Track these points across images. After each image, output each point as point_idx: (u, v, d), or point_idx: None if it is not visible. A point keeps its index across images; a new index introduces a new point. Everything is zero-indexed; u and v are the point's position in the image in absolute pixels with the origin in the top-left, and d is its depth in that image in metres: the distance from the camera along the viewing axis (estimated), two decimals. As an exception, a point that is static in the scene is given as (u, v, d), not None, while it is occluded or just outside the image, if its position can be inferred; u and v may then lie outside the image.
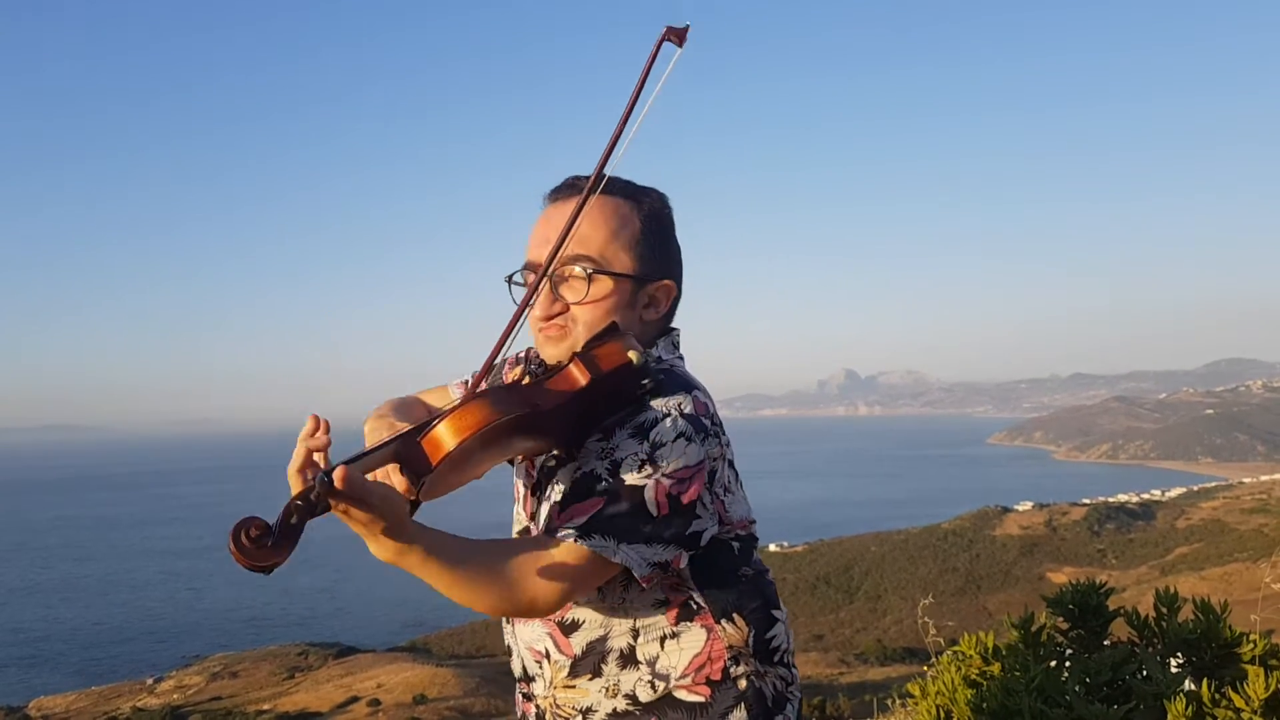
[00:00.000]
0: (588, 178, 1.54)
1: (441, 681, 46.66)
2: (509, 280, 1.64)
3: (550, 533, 1.43)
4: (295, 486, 1.24)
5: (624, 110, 1.42)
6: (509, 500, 1.80)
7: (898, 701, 4.35)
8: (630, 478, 1.43)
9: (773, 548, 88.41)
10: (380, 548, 1.28)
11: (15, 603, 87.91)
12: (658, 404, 1.49)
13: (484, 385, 1.83)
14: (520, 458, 1.72)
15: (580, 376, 1.43)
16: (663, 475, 1.44)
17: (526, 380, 1.46)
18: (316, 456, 1.27)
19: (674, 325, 1.71)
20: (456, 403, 1.36)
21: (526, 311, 1.52)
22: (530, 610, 1.41)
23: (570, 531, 1.41)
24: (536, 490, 1.67)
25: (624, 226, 1.59)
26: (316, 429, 1.28)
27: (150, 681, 55.59)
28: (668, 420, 1.47)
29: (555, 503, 1.51)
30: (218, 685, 53.72)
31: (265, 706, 46.17)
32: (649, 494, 1.43)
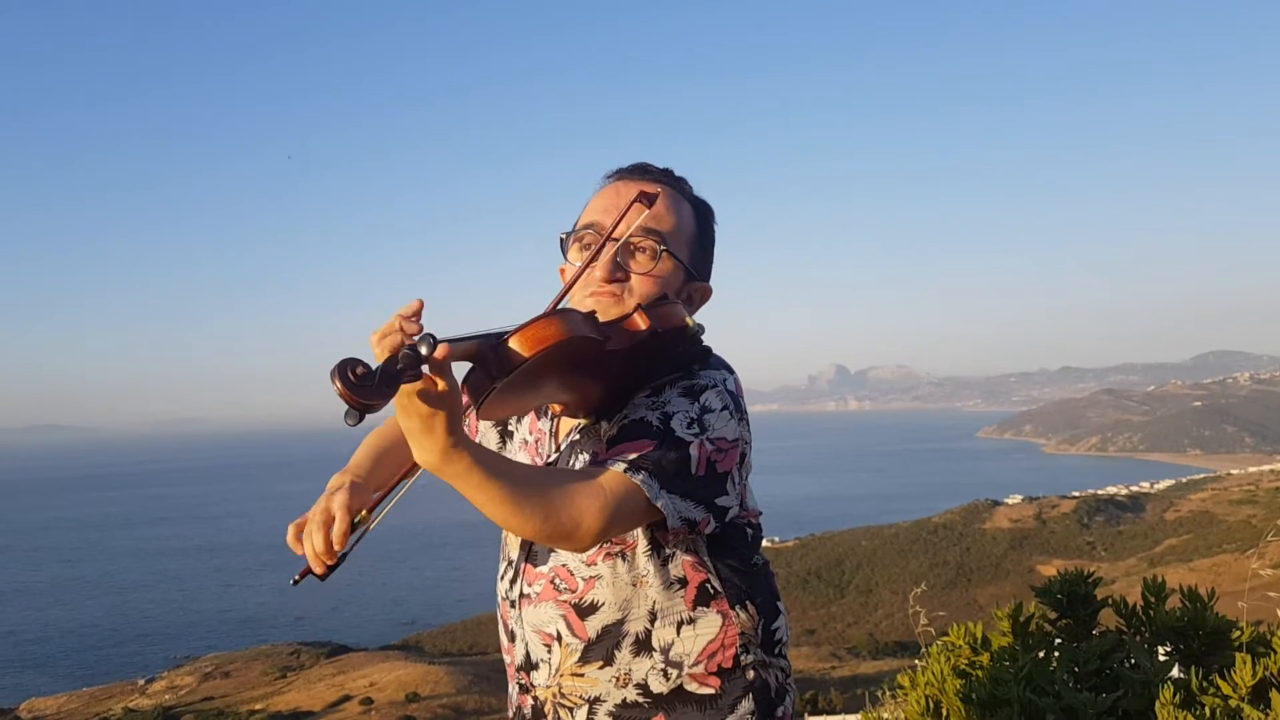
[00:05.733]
0: (658, 168, 1.68)
1: (434, 680, 46.64)
2: (564, 237, 1.69)
3: (598, 465, 1.46)
4: (379, 350, 1.21)
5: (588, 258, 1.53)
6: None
7: (888, 693, 4.35)
8: (680, 431, 1.48)
9: (764, 543, 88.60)
10: (431, 446, 1.26)
11: (6, 605, 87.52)
12: (706, 375, 1.57)
13: None
14: (531, 429, 1.76)
15: (642, 322, 1.49)
16: (707, 439, 1.49)
17: None
18: (408, 327, 1.21)
19: None
20: (532, 316, 1.36)
21: (588, 268, 1.55)
22: (572, 534, 1.38)
23: (621, 464, 1.43)
24: (555, 465, 1.67)
25: (689, 222, 1.67)
26: (416, 310, 1.25)
27: (142, 682, 55.44)
28: (715, 390, 1.54)
29: (598, 450, 1.54)
30: (210, 685, 53.60)
31: (257, 706, 46.09)
32: (693, 451, 1.47)
